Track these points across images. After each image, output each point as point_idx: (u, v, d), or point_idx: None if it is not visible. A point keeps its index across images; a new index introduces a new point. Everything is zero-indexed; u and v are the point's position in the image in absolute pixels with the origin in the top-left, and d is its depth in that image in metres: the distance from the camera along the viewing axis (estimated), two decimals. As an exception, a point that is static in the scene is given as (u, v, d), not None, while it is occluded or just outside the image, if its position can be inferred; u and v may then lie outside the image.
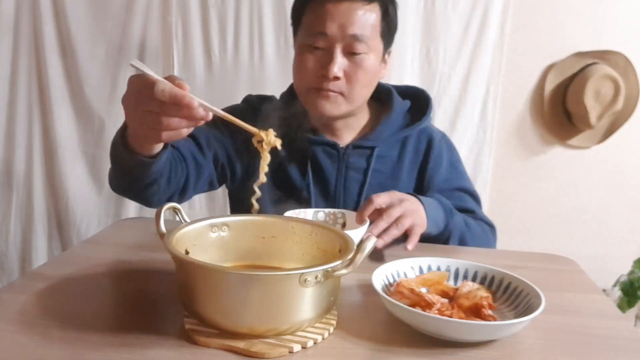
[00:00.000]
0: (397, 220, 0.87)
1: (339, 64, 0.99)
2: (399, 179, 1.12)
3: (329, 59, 1.00)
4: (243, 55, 1.92)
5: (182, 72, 1.96)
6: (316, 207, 1.07)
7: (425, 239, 0.97)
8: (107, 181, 1.00)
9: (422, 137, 1.15)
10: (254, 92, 1.21)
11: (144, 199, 1.00)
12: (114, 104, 1.98)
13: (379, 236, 0.85)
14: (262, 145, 0.77)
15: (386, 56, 1.09)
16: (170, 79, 0.62)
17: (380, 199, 0.88)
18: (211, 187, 1.15)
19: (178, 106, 0.61)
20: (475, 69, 1.90)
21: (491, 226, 1.13)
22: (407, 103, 1.16)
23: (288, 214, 0.93)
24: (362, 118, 1.14)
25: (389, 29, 1.05)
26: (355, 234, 0.84)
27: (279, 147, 0.78)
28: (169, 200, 1.01)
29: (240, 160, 1.12)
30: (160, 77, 0.61)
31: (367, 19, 1.00)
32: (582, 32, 1.90)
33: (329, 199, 1.11)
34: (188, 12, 1.91)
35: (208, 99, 1.79)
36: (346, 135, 1.13)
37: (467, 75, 1.90)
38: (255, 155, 1.09)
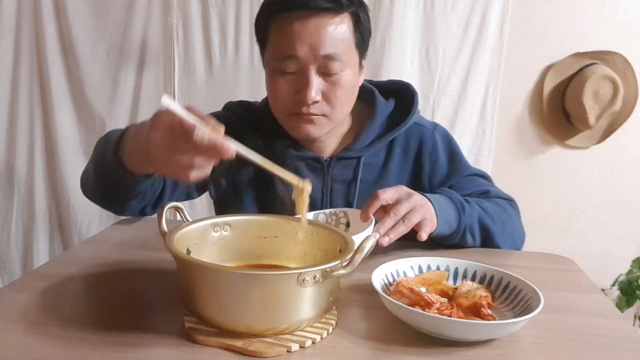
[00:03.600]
0: (404, 216, 0.83)
1: (316, 87, 0.92)
2: (385, 186, 1.02)
3: (304, 83, 0.93)
4: (243, 56, 1.92)
5: (182, 72, 1.96)
6: None
7: (439, 240, 0.94)
8: (81, 184, 0.99)
9: (411, 137, 1.08)
10: (254, 93, 1.20)
11: (118, 209, 0.98)
12: (114, 105, 1.99)
13: (385, 234, 0.82)
14: (301, 195, 0.72)
15: (363, 62, 1.02)
16: (205, 119, 0.59)
17: (387, 195, 0.84)
18: (189, 197, 1.12)
19: (214, 150, 0.59)
20: (475, 70, 1.90)
21: (509, 199, 1.07)
22: (391, 103, 1.09)
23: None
24: (344, 126, 1.07)
25: (362, 37, 0.97)
26: (361, 237, 0.79)
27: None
28: (142, 210, 1.00)
29: (226, 173, 1.08)
30: (193, 117, 0.58)
31: (339, 34, 0.92)
32: (581, 32, 1.91)
33: None
34: (189, 13, 1.91)
35: (208, 99, 1.81)
36: (329, 146, 1.07)
37: (466, 75, 1.91)
38: (241, 171, 1.07)
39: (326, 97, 0.95)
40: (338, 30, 0.92)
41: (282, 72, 0.94)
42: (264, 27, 0.97)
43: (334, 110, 0.96)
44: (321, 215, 0.96)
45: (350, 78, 0.96)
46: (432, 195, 0.92)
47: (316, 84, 0.93)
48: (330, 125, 0.99)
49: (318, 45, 0.90)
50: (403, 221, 0.83)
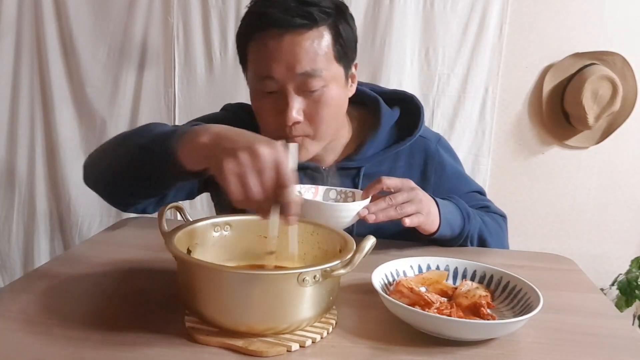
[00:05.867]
0: (400, 205, 0.84)
1: (296, 108, 0.88)
2: None
3: (283, 103, 0.89)
4: (243, 56, 1.92)
5: (182, 73, 1.96)
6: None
7: (440, 242, 0.95)
8: (85, 169, 0.95)
9: (416, 149, 1.06)
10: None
11: (123, 203, 0.95)
12: (115, 105, 1.99)
13: (373, 212, 0.83)
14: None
15: (352, 70, 0.97)
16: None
17: (390, 181, 0.85)
18: (189, 197, 1.11)
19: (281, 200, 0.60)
20: (474, 70, 1.91)
21: (503, 216, 1.10)
22: (396, 112, 1.06)
23: (297, 188, 0.89)
24: (344, 136, 1.04)
25: (344, 49, 0.92)
26: (352, 206, 0.84)
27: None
28: (144, 209, 0.98)
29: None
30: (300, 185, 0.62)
31: (316, 49, 0.87)
32: (580, 33, 1.91)
33: None
34: (189, 13, 1.92)
35: (208, 99, 1.81)
36: (329, 156, 1.04)
37: (465, 75, 1.91)
38: None
39: (308, 116, 0.91)
40: (315, 45, 0.87)
41: (263, 92, 0.91)
42: (242, 47, 0.94)
43: (318, 129, 0.92)
44: (332, 191, 0.96)
45: (335, 93, 0.92)
46: (441, 199, 0.92)
47: (296, 104, 0.89)
48: (318, 145, 0.96)
49: (294, 63, 0.87)
50: (396, 208, 0.84)
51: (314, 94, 0.90)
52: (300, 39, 0.87)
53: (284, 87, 0.89)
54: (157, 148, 0.75)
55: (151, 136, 0.79)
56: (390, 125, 1.06)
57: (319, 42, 0.88)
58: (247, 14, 0.94)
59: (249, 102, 1.16)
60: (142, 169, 0.79)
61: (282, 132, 0.91)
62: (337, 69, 0.92)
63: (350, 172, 1.03)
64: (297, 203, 0.61)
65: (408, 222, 0.85)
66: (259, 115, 0.95)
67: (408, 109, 1.07)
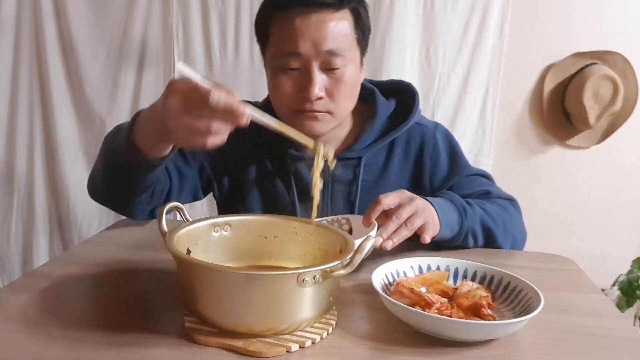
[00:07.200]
0: (407, 220, 0.83)
1: (319, 83, 0.93)
2: (385, 186, 1.05)
3: (307, 79, 0.93)
4: (243, 56, 1.92)
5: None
6: None
7: (441, 244, 0.93)
8: (88, 185, 0.98)
9: (412, 137, 1.08)
10: (254, 93, 1.20)
11: (128, 208, 0.97)
12: (114, 105, 1.99)
13: (388, 237, 0.81)
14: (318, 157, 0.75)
15: (363, 59, 1.02)
16: (219, 85, 0.60)
17: (389, 199, 0.84)
18: (195, 198, 1.12)
19: (230, 114, 0.60)
20: (475, 70, 1.90)
21: (510, 199, 1.07)
22: (392, 103, 1.09)
23: None
24: (346, 126, 1.07)
25: (363, 33, 0.98)
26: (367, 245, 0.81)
27: (330, 162, 0.77)
28: (152, 212, 1.01)
29: (229, 173, 1.08)
30: (206, 82, 0.60)
31: (340, 29, 0.92)
32: (581, 32, 1.91)
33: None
34: (189, 12, 1.91)
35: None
36: (331, 146, 1.03)
37: (466, 75, 1.91)
38: (245, 168, 1.08)
39: (329, 93, 0.95)
40: (339, 26, 0.92)
41: (285, 69, 0.94)
42: (264, 25, 0.96)
43: (337, 106, 0.97)
44: (323, 223, 0.94)
45: (353, 74, 0.96)
46: (434, 199, 0.91)
47: (319, 80, 0.93)
48: (334, 122, 0.99)
49: (320, 41, 0.91)
50: (406, 225, 0.83)
51: (336, 72, 0.94)
52: (327, 18, 0.91)
53: (307, 64, 0.92)
54: (118, 149, 0.81)
55: (113, 141, 0.86)
56: (387, 115, 1.08)
57: (344, 23, 0.93)
58: None
59: (249, 100, 1.16)
60: (116, 170, 0.84)
61: (301, 107, 0.95)
62: (356, 52, 0.97)
63: (351, 162, 1.05)
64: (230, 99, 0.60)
65: (428, 239, 0.85)
66: (277, 92, 0.97)
67: (404, 98, 1.09)
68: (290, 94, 0.95)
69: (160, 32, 1.94)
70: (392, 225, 0.82)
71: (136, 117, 0.78)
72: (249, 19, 1.90)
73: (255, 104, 1.13)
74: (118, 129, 0.89)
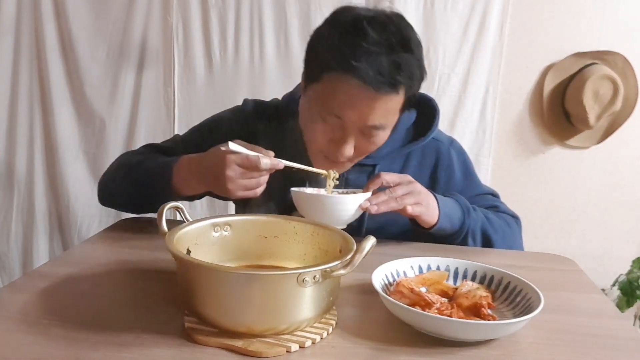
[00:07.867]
0: (400, 197, 0.88)
1: (352, 145, 0.93)
2: None
3: (341, 138, 0.92)
4: (243, 56, 1.92)
5: (182, 72, 1.96)
6: None
7: (441, 238, 0.96)
8: (99, 193, 1.06)
9: (428, 151, 1.09)
10: (254, 93, 1.19)
11: (145, 212, 1.05)
12: (114, 105, 1.99)
13: (375, 204, 0.87)
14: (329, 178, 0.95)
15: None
16: (256, 149, 0.83)
17: (389, 177, 0.89)
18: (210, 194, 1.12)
19: (273, 169, 0.83)
20: (475, 70, 1.90)
21: (515, 217, 1.09)
22: (413, 115, 1.08)
23: (295, 189, 0.92)
24: None
25: (410, 100, 0.95)
26: (353, 198, 0.87)
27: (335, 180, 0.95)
28: None
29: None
30: (253, 152, 0.83)
31: (389, 107, 0.90)
32: (581, 32, 1.91)
33: None
34: (189, 13, 1.91)
35: (209, 99, 1.81)
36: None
37: (466, 75, 1.91)
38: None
39: (359, 151, 0.95)
40: (389, 104, 0.90)
41: (324, 118, 0.92)
42: (320, 67, 0.91)
43: (362, 156, 0.99)
44: (333, 193, 0.97)
45: (387, 134, 0.96)
46: (440, 195, 0.94)
47: (353, 142, 0.93)
48: (352, 163, 1.02)
49: (367, 116, 0.89)
50: (396, 199, 0.88)
51: (372, 137, 0.94)
52: (381, 99, 0.88)
53: (347, 129, 0.92)
54: (155, 183, 0.95)
55: (146, 173, 0.98)
56: (407, 127, 1.08)
57: (394, 102, 0.90)
58: (341, 36, 0.88)
59: (254, 99, 1.16)
60: (148, 197, 0.96)
61: (328, 153, 0.96)
62: (397, 115, 0.95)
63: (366, 169, 1.06)
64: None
65: (410, 209, 0.89)
66: (311, 133, 0.97)
67: (425, 111, 1.08)
68: (322, 140, 0.95)
69: (160, 32, 1.94)
70: (382, 196, 0.88)
71: (172, 163, 0.93)
72: (248, 19, 1.90)
73: (264, 104, 1.13)
74: (148, 165, 0.99)
